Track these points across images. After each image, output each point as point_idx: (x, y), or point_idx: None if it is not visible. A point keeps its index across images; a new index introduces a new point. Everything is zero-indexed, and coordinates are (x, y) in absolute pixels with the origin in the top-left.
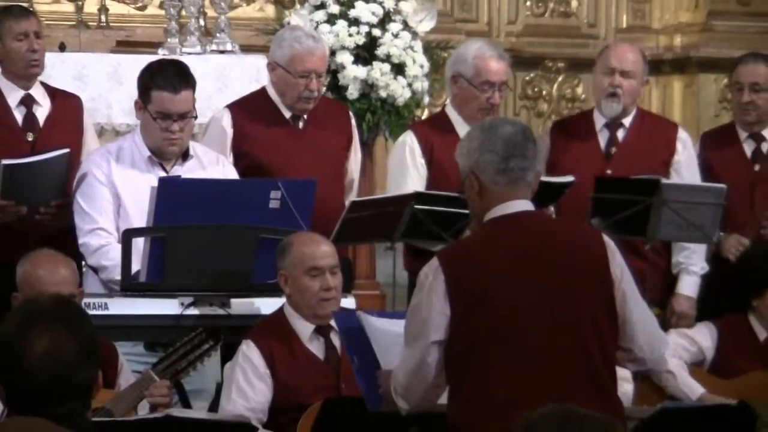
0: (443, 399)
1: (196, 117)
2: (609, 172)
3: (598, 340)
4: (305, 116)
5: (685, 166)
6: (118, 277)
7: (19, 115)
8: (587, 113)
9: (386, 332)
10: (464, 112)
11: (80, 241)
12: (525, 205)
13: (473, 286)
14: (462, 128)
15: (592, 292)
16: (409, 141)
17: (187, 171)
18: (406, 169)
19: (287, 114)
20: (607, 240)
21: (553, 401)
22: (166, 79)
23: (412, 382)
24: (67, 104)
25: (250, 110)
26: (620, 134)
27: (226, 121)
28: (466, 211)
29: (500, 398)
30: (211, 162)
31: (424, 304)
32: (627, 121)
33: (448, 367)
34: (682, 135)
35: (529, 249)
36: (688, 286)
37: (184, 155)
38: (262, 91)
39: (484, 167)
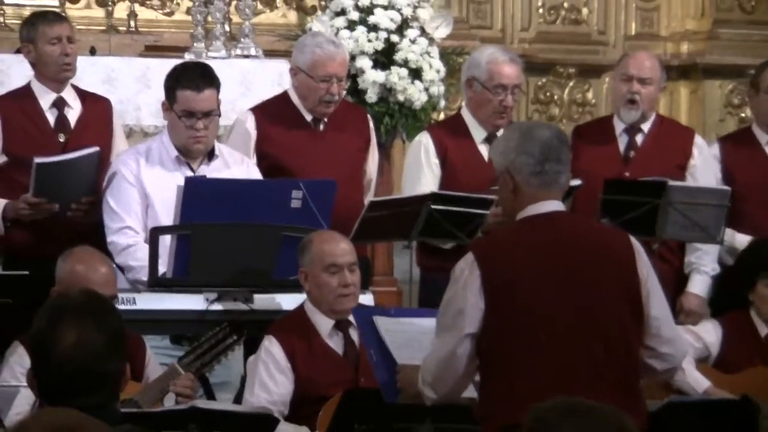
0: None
1: (219, 116)
2: (627, 174)
3: (624, 338)
4: (325, 119)
5: (701, 170)
6: (145, 278)
7: (51, 117)
8: (607, 119)
9: (400, 332)
10: (479, 115)
11: (108, 239)
12: (556, 205)
13: (506, 282)
14: (476, 131)
15: (619, 291)
16: (424, 141)
17: (212, 170)
18: (421, 168)
19: (308, 117)
20: (634, 241)
21: (575, 396)
22: (190, 80)
23: (443, 372)
24: (97, 106)
25: (272, 113)
26: (639, 139)
27: (250, 123)
28: (481, 211)
29: (525, 393)
30: (236, 162)
31: (459, 297)
32: (646, 126)
33: (479, 361)
34: (699, 140)
35: (559, 248)
36: (699, 285)
37: (210, 155)
38: (284, 95)
39: (520, 168)
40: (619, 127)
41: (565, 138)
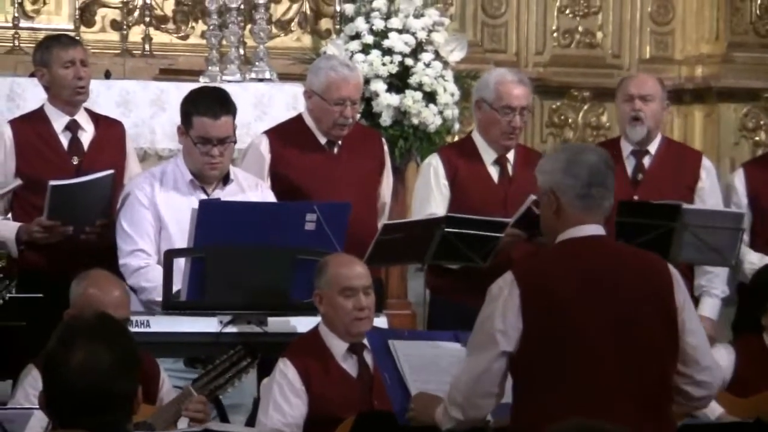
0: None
1: (235, 142)
2: (636, 197)
3: (659, 363)
4: (340, 142)
5: (708, 192)
6: (158, 298)
7: (64, 140)
8: (614, 141)
9: (415, 356)
10: (488, 137)
11: (121, 261)
12: (598, 229)
13: (546, 303)
14: (486, 153)
15: (656, 317)
16: (434, 163)
17: (227, 194)
18: (430, 190)
19: (322, 140)
20: (672, 269)
21: (609, 419)
22: (206, 106)
23: (474, 391)
24: (110, 129)
25: (287, 136)
26: (646, 161)
27: (264, 146)
28: (495, 234)
29: (558, 413)
30: (251, 186)
31: (497, 316)
32: (653, 148)
33: (513, 380)
34: (706, 163)
35: (599, 272)
36: (709, 308)
37: (225, 179)
38: (299, 118)
39: (566, 190)
40: (626, 149)
41: (612, 164)
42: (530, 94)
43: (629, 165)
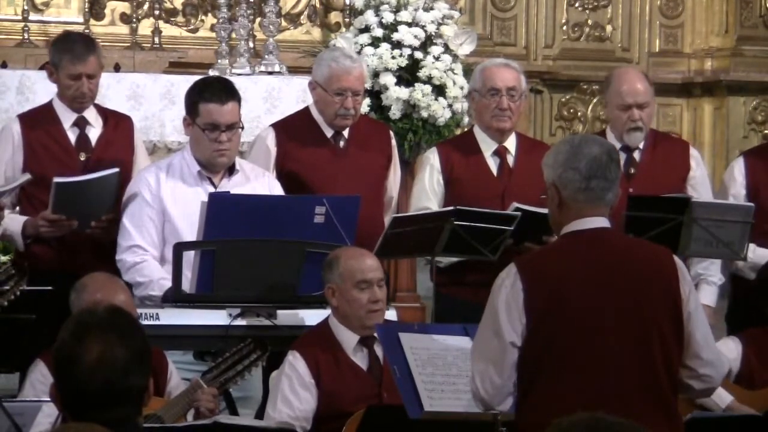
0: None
1: (242, 128)
2: (631, 190)
3: (665, 355)
4: (346, 135)
5: (700, 181)
6: (152, 293)
7: (72, 136)
8: (600, 135)
9: (423, 349)
10: (483, 124)
11: (117, 257)
12: (602, 222)
13: (549, 296)
14: (485, 144)
15: (661, 309)
16: (431, 159)
17: (233, 185)
18: (423, 187)
19: (329, 133)
20: (678, 260)
21: (617, 412)
22: (212, 93)
23: (493, 382)
24: (119, 125)
25: (293, 129)
26: (637, 155)
27: (271, 139)
28: (504, 228)
29: (565, 407)
30: (257, 176)
31: (502, 310)
32: (641, 142)
33: (519, 374)
34: (694, 152)
35: (604, 264)
36: (707, 295)
37: (231, 170)
38: (306, 111)
39: (566, 183)
40: (615, 144)
41: (616, 155)
42: (519, 77)
43: (620, 159)
